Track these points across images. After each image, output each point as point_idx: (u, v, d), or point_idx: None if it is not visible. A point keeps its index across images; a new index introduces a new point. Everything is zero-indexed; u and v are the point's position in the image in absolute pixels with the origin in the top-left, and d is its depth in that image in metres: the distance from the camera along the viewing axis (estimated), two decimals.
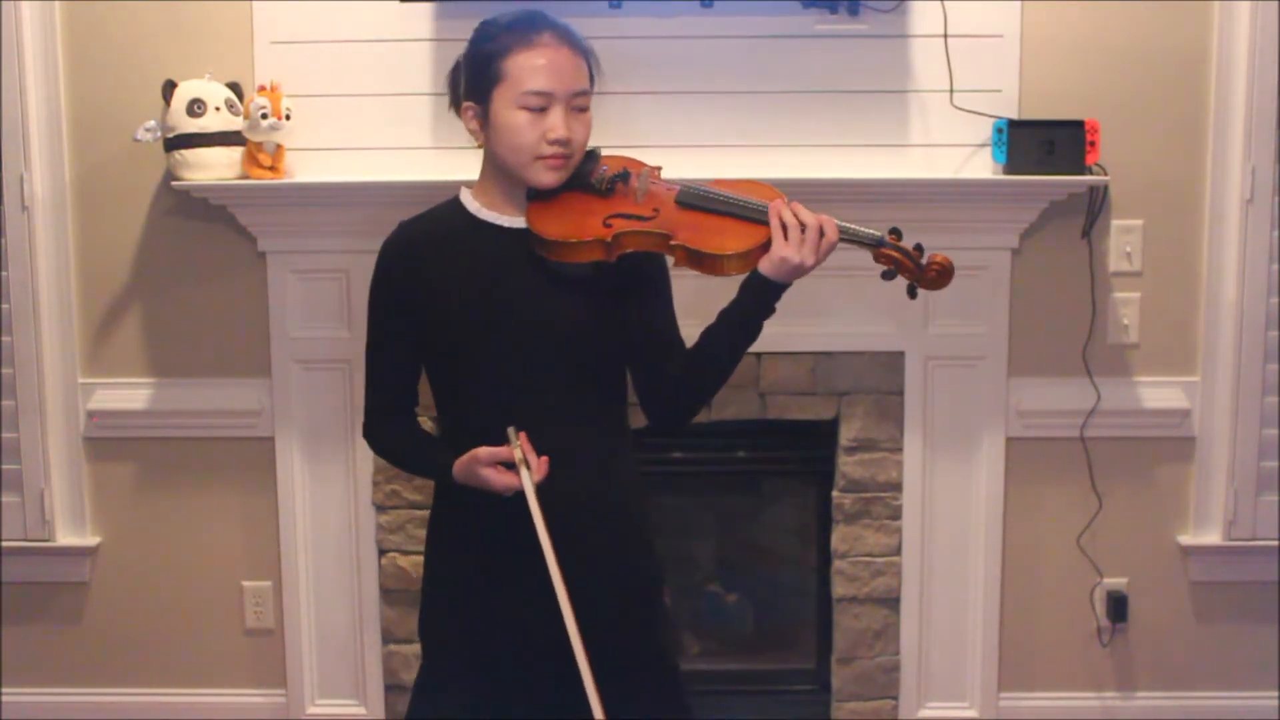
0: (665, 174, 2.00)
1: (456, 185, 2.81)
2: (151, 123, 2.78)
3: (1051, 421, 3.02)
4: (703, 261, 1.88)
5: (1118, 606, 3.07)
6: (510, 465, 1.86)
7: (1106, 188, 2.90)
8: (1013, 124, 2.80)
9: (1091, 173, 2.83)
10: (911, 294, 1.96)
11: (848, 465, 3.02)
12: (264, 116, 2.75)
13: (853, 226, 1.89)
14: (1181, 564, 3.09)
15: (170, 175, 2.85)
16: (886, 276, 1.94)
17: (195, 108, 2.78)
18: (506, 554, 1.93)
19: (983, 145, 2.90)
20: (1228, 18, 2.88)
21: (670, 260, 1.92)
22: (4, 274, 2.98)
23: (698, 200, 1.92)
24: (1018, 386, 3.01)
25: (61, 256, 3.00)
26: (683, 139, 2.88)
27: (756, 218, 1.89)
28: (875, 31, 2.87)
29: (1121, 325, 3.00)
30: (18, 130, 2.93)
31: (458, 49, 2.85)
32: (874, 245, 1.91)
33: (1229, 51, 2.89)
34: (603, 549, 1.98)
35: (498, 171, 1.96)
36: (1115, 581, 3.09)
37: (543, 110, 1.88)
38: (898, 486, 3.02)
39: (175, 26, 2.90)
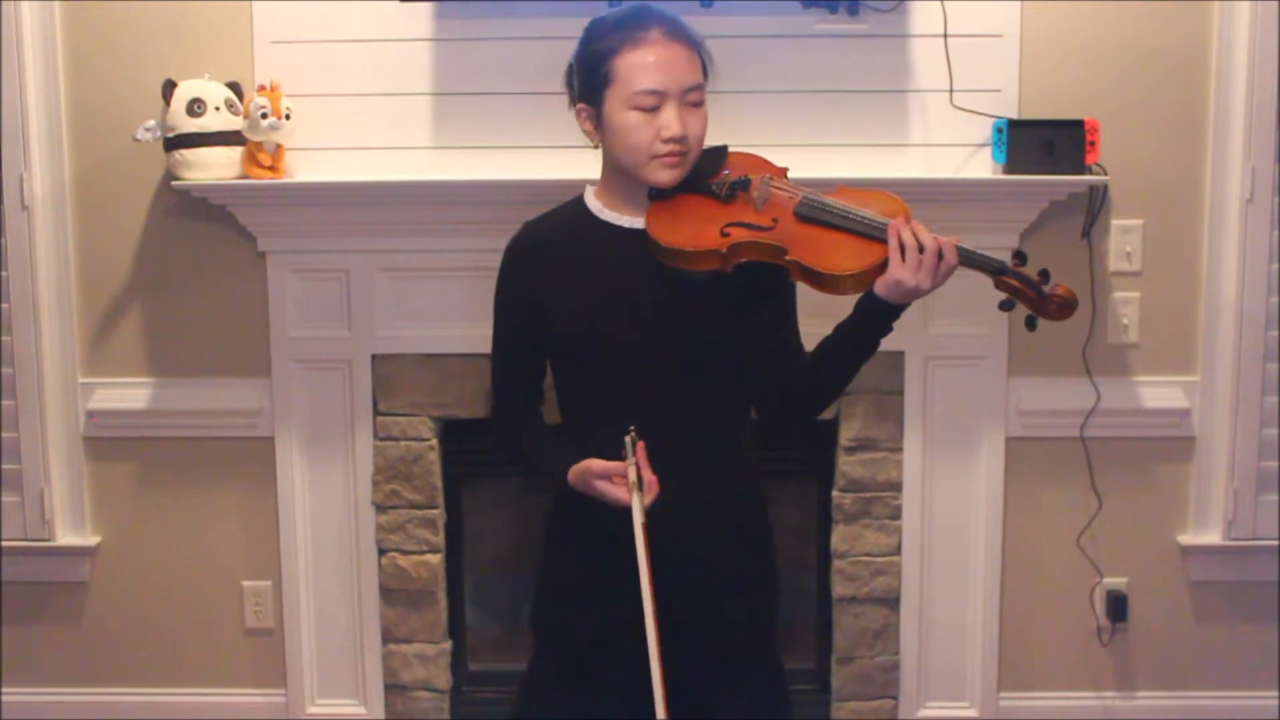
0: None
1: (457, 185, 2.86)
2: (151, 122, 2.78)
3: (1051, 421, 3.02)
4: (817, 279, 1.82)
5: (1118, 606, 3.07)
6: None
7: (1106, 187, 2.90)
8: (1013, 124, 2.80)
9: (1091, 172, 2.83)
10: (1030, 325, 1.86)
11: (847, 465, 3.01)
12: (264, 116, 2.75)
13: (974, 251, 1.82)
14: (1181, 564, 3.09)
15: (170, 175, 2.85)
16: (1004, 306, 1.86)
17: (195, 107, 2.78)
18: (621, 559, 1.89)
19: (983, 145, 2.90)
20: (1228, 18, 2.88)
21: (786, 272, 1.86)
22: (4, 274, 2.98)
23: (817, 213, 1.86)
24: (1017, 386, 3.01)
25: (61, 256, 3.00)
26: None
27: (875, 235, 1.81)
28: (875, 31, 2.87)
29: (1121, 325, 3.00)
30: (18, 130, 2.93)
31: (458, 49, 2.91)
32: (995, 272, 1.83)
33: (1229, 51, 2.89)
34: (722, 551, 1.97)
35: (617, 172, 1.95)
36: (1115, 581, 3.09)
37: (655, 109, 1.85)
38: (897, 486, 3.02)
39: (175, 26, 2.90)
